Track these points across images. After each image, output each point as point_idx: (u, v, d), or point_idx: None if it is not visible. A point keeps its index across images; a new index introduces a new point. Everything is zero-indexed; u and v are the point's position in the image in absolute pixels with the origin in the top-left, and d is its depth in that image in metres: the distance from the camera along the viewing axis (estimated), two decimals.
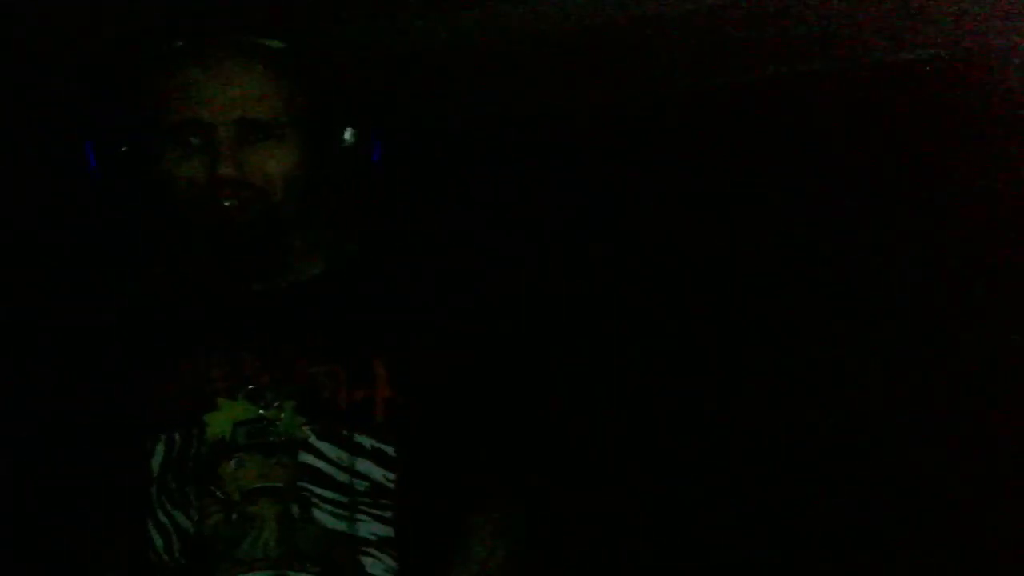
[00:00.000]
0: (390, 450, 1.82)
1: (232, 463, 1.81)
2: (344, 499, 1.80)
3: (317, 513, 1.79)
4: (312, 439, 1.80)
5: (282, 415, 1.81)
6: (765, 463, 2.56)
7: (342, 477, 1.80)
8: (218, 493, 1.80)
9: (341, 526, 1.80)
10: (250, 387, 1.83)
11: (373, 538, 1.80)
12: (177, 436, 1.84)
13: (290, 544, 1.78)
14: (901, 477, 2.51)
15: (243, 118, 1.81)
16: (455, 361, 1.87)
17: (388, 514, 1.80)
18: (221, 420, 1.82)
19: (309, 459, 1.80)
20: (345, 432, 1.81)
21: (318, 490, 1.79)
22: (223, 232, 1.83)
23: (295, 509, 1.79)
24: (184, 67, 1.84)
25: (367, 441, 1.82)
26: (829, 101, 2.55)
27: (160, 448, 1.84)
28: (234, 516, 1.79)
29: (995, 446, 2.47)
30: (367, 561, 1.80)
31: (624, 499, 2.53)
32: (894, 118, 2.53)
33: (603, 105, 2.63)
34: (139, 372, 1.88)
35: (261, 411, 1.81)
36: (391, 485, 1.81)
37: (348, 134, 1.89)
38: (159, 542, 1.83)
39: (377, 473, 1.81)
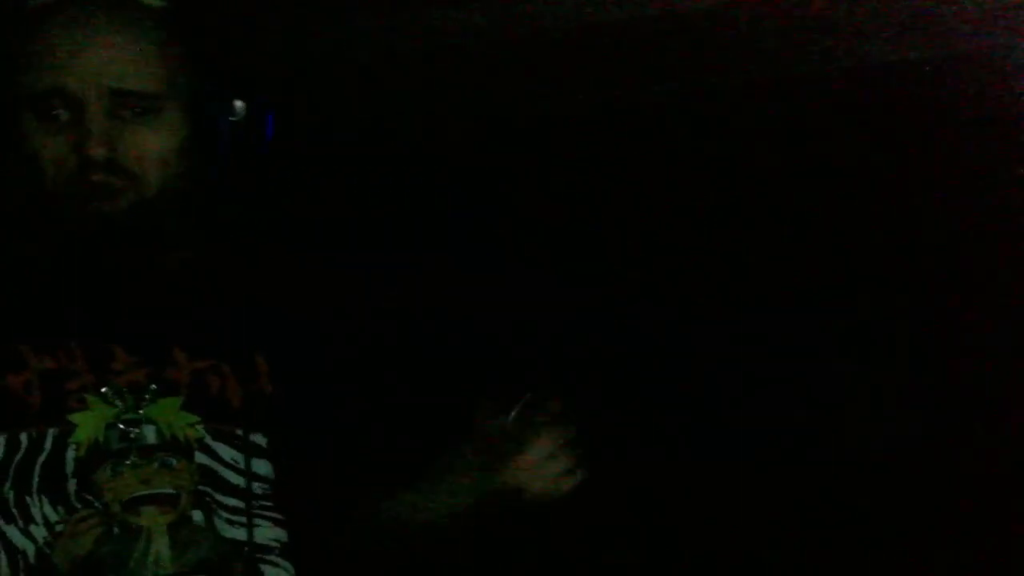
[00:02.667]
0: (271, 448, 1.63)
1: (108, 469, 1.56)
2: (242, 504, 1.60)
3: (216, 520, 1.58)
4: (208, 439, 1.59)
5: (164, 414, 1.59)
6: (759, 464, 2.57)
7: (238, 480, 1.59)
8: (96, 504, 1.55)
9: (239, 534, 1.59)
10: (123, 383, 1.59)
11: (273, 544, 1.61)
12: (23, 437, 1.57)
13: (185, 557, 1.55)
14: (901, 477, 2.51)
15: (117, 89, 1.57)
16: (335, 356, 1.70)
17: (284, 517, 1.62)
18: (91, 420, 1.58)
19: (206, 460, 1.58)
20: (240, 431, 1.61)
21: (218, 496, 1.58)
22: (91, 222, 1.58)
23: (197, 516, 1.56)
24: (47, 26, 1.59)
25: (262, 440, 1.63)
26: (829, 101, 2.55)
27: None
28: (116, 530, 1.55)
29: (995, 446, 2.47)
30: (267, 570, 1.60)
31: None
32: (894, 118, 2.53)
33: (602, 105, 2.63)
34: None
35: (141, 411, 1.59)
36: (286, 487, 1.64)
37: (238, 108, 1.65)
38: None
39: (274, 475, 1.63)
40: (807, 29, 2.49)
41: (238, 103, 1.65)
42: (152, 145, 1.58)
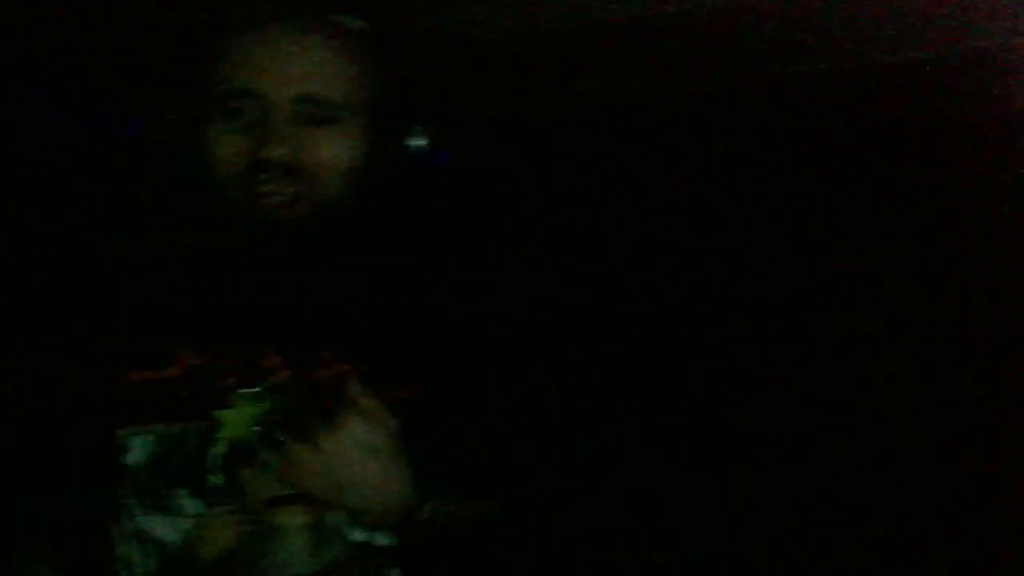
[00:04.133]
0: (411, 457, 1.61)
1: (251, 467, 1.58)
2: None
3: (344, 522, 1.58)
4: None
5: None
6: (771, 463, 2.57)
7: None
8: (238, 501, 1.58)
9: (363, 536, 1.60)
10: (269, 383, 1.59)
11: (388, 548, 1.60)
12: (171, 431, 1.61)
13: (321, 558, 1.55)
14: (900, 477, 2.51)
15: (304, 95, 1.59)
16: (486, 367, 1.65)
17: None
18: (237, 418, 1.57)
19: None
20: None
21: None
22: (261, 226, 1.59)
23: (331, 519, 1.57)
24: (245, 32, 1.61)
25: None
26: (829, 101, 2.55)
27: (145, 443, 1.62)
28: (254, 527, 1.55)
29: (995, 446, 2.47)
30: (390, 573, 1.59)
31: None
32: (894, 118, 2.53)
33: (602, 105, 2.63)
34: (122, 353, 1.62)
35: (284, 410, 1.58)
36: None
37: (417, 133, 1.67)
38: (130, 553, 1.59)
39: None
40: (807, 29, 2.49)
41: (419, 128, 1.67)
42: (331, 153, 1.60)
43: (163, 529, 1.59)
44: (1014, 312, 2.45)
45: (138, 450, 1.62)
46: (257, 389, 1.57)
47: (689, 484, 2.54)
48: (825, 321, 2.58)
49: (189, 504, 1.59)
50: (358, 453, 1.53)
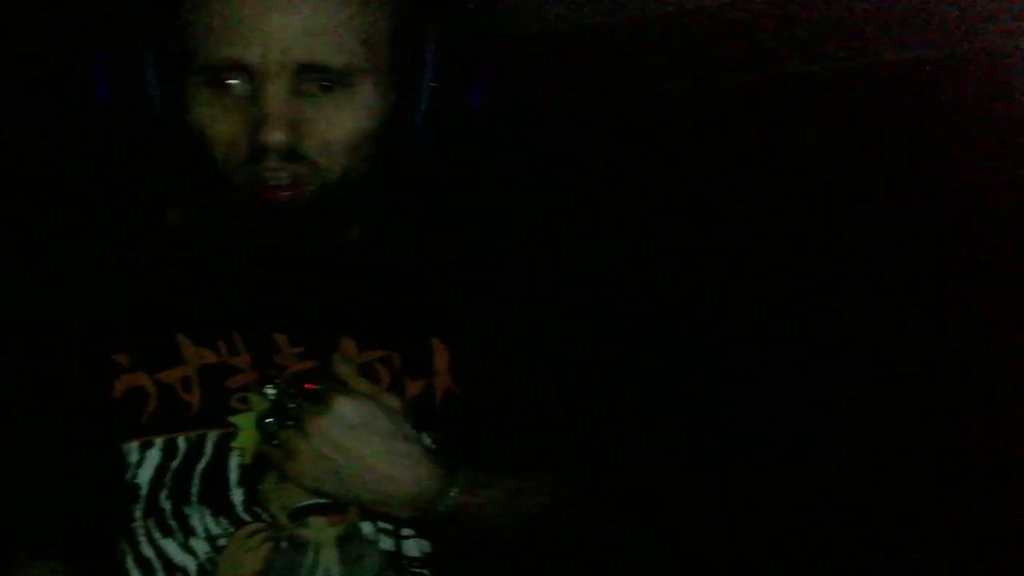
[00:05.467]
0: (438, 450, 1.45)
1: (274, 477, 1.40)
2: None
3: (379, 530, 1.43)
4: None
5: None
6: (759, 464, 2.57)
7: None
8: (264, 516, 1.39)
9: (389, 545, 1.43)
10: (286, 378, 1.41)
11: (419, 555, 1.46)
12: (181, 441, 1.40)
13: (355, 573, 1.40)
14: (900, 477, 2.51)
15: (305, 63, 1.34)
16: (523, 350, 1.48)
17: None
18: (255, 423, 1.39)
19: None
20: None
21: None
22: (263, 212, 1.39)
23: (367, 528, 1.41)
24: None
25: (427, 440, 1.45)
26: (829, 101, 2.55)
27: (153, 456, 1.40)
28: (283, 544, 1.39)
29: (995, 446, 2.47)
30: None
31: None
32: (894, 118, 2.53)
33: (602, 105, 2.63)
34: (124, 354, 1.41)
35: None
36: None
37: (443, 74, 1.41)
38: None
39: None
40: (807, 29, 2.49)
41: (445, 69, 1.40)
42: (340, 125, 1.37)
43: (181, 555, 1.39)
44: (1014, 312, 2.45)
45: (148, 464, 1.41)
46: (274, 387, 1.40)
47: (691, 483, 2.53)
48: (824, 321, 2.57)
49: (211, 524, 1.40)
50: (349, 433, 1.37)
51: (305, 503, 1.40)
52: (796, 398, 2.58)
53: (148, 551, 1.40)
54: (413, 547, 1.45)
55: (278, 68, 1.33)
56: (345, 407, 1.39)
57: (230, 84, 1.36)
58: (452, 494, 1.40)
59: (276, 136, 1.34)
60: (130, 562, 1.40)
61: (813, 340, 2.58)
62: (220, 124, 1.37)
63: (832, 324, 2.58)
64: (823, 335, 2.58)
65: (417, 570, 1.46)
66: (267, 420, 1.39)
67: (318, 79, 1.36)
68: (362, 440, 1.38)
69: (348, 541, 1.41)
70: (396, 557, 1.43)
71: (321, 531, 1.40)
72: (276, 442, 1.39)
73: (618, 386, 1.55)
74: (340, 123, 1.37)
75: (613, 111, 2.63)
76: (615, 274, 2.63)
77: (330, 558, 1.39)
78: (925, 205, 2.52)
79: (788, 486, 2.54)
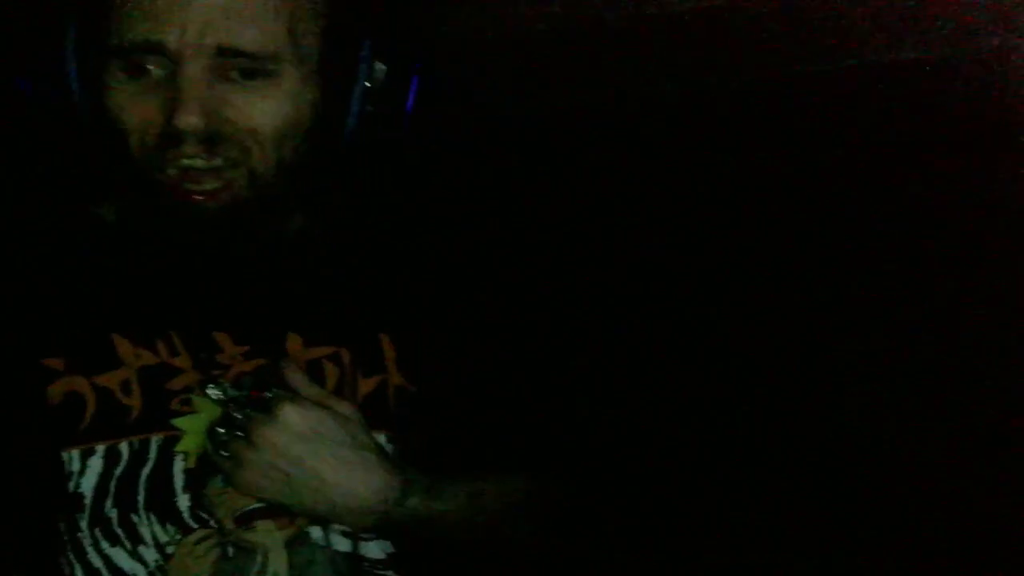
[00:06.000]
0: (393, 450, 1.42)
1: (219, 481, 1.37)
2: None
3: (330, 534, 1.40)
4: None
5: None
6: (772, 462, 2.57)
7: None
8: (211, 521, 1.37)
9: (346, 546, 1.41)
10: (229, 378, 1.37)
11: (383, 557, 1.44)
12: (123, 447, 1.36)
13: (306, 574, 1.37)
14: (899, 477, 2.51)
15: (225, 47, 1.29)
16: (473, 341, 1.46)
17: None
18: (199, 425, 1.36)
19: None
20: None
21: None
22: (185, 209, 1.32)
23: (315, 532, 1.39)
24: None
25: (382, 439, 1.43)
26: (829, 101, 2.55)
27: (95, 464, 1.35)
28: (230, 549, 1.36)
29: (994, 446, 2.47)
30: None
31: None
32: (894, 118, 2.53)
33: (601, 105, 2.62)
34: (58, 358, 1.35)
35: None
36: None
37: (378, 71, 1.35)
38: None
39: None
40: (807, 29, 2.49)
41: (379, 66, 1.35)
42: (263, 112, 1.31)
43: (130, 563, 1.36)
44: (1014, 312, 2.45)
45: (90, 473, 1.36)
46: (218, 388, 1.37)
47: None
48: (824, 320, 2.57)
49: (159, 531, 1.37)
50: (297, 443, 1.33)
51: (252, 507, 1.37)
52: (797, 399, 2.58)
53: (96, 561, 1.36)
54: (376, 549, 1.43)
55: (195, 50, 1.28)
56: (293, 416, 1.35)
57: (148, 70, 1.30)
58: (410, 502, 1.38)
59: (191, 120, 1.28)
60: (78, 573, 1.36)
61: (812, 339, 2.58)
62: (135, 110, 1.31)
63: (831, 323, 2.58)
64: (821, 334, 2.58)
65: (381, 572, 1.44)
66: (217, 429, 1.36)
67: (239, 64, 1.30)
68: (311, 450, 1.34)
69: (297, 545, 1.38)
70: (355, 559, 1.40)
71: (269, 535, 1.37)
72: (225, 453, 1.36)
73: (569, 380, 1.52)
74: (263, 110, 1.31)
75: (610, 111, 2.63)
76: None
77: (279, 562, 1.36)
78: (924, 204, 2.52)
79: (775, 485, 2.55)
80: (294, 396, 1.36)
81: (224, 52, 1.29)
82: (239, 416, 1.35)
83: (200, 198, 1.32)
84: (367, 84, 1.34)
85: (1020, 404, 2.46)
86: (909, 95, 2.52)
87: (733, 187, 2.63)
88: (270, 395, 1.36)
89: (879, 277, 2.57)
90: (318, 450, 1.34)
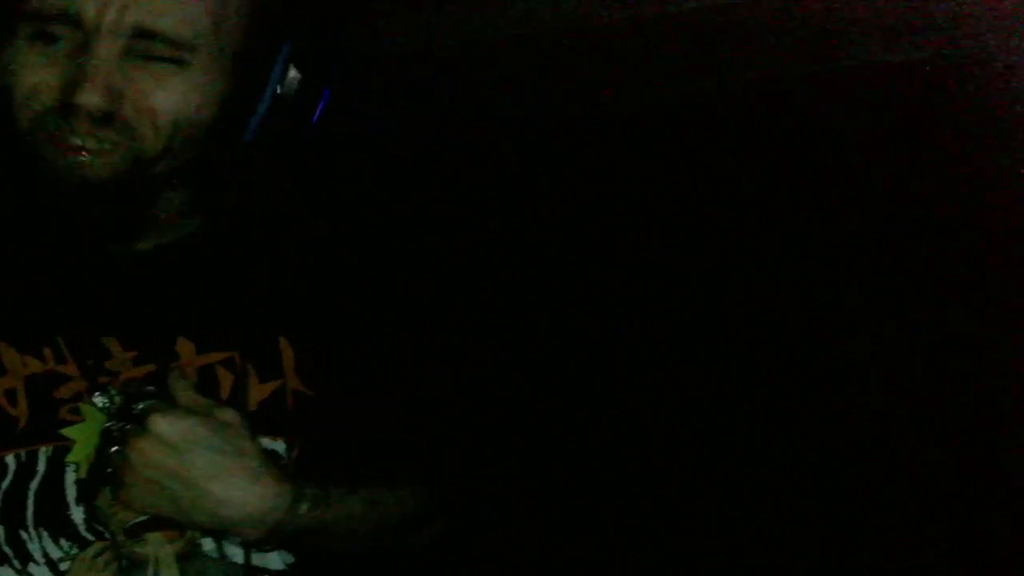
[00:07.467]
0: (291, 457, 1.36)
1: (108, 492, 1.29)
2: None
3: (226, 546, 1.34)
4: None
5: None
6: (757, 464, 2.57)
7: None
8: (105, 534, 1.30)
9: (240, 558, 1.34)
10: (118, 384, 1.30)
11: (283, 567, 1.38)
12: (10, 460, 1.29)
13: None
14: (900, 478, 2.51)
15: (142, 28, 1.23)
16: (372, 347, 1.39)
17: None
18: (89, 434, 1.29)
19: None
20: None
21: None
22: (68, 184, 1.25)
23: (208, 545, 1.33)
24: None
25: (280, 447, 1.36)
26: (829, 101, 2.55)
27: None
28: (123, 562, 1.29)
29: (995, 446, 2.47)
30: None
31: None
32: (894, 118, 2.53)
33: (601, 105, 2.63)
34: None
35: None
36: None
37: (291, 78, 1.31)
38: None
39: None
40: (807, 29, 2.49)
41: (293, 72, 1.31)
42: (167, 100, 1.25)
43: None
44: (1014, 312, 2.45)
45: None
46: (104, 396, 1.30)
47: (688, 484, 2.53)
48: (823, 320, 2.57)
49: (50, 548, 1.30)
50: (170, 454, 1.26)
51: (140, 519, 1.29)
52: (796, 399, 2.58)
53: None
54: (276, 559, 1.36)
55: (112, 27, 1.22)
56: (162, 426, 1.27)
57: (59, 38, 1.24)
58: (301, 510, 1.31)
59: (93, 99, 1.22)
60: None
61: (811, 339, 2.58)
62: (34, 76, 1.23)
63: (830, 323, 2.58)
64: (821, 334, 2.58)
65: None
66: (105, 444, 1.31)
67: (154, 48, 1.24)
68: (185, 461, 1.27)
69: (189, 557, 1.32)
70: (251, 570, 1.34)
71: (159, 547, 1.31)
72: (108, 468, 1.30)
73: (471, 385, 1.46)
74: (167, 96, 1.25)
75: (611, 111, 2.63)
76: (609, 275, 2.65)
77: (170, 575, 1.30)
78: (924, 204, 2.52)
79: (774, 485, 2.55)
80: (166, 405, 1.29)
81: (142, 33, 1.23)
82: (115, 430, 1.28)
83: (83, 157, 1.23)
84: (278, 88, 1.30)
85: (1020, 404, 2.46)
86: (908, 95, 2.52)
87: (733, 187, 2.63)
88: (141, 406, 1.29)
89: (878, 276, 2.57)
90: (193, 460, 1.26)
